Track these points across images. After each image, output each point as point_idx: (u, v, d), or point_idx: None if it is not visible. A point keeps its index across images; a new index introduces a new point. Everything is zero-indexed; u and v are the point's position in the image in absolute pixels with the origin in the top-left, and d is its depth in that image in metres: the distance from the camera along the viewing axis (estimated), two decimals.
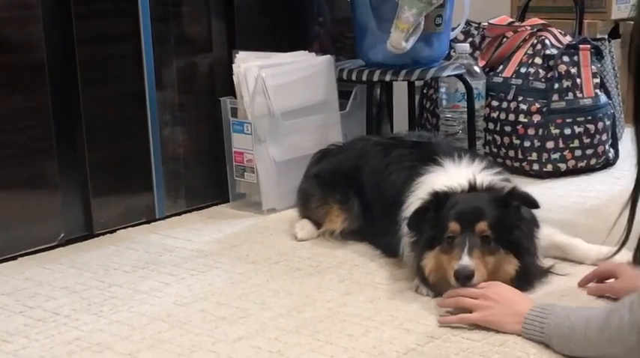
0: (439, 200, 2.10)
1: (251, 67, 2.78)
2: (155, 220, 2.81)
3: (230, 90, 2.86)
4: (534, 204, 2.12)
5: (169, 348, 1.89)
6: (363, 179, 2.52)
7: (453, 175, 2.19)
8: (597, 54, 3.28)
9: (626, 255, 1.78)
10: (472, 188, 2.13)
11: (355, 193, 2.52)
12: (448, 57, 3.14)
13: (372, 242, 2.48)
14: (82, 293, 2.22)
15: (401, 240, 2.24)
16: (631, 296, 1.58)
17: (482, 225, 2.03)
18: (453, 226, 2.04)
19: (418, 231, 2.12)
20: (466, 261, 1.98)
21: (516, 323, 1.86)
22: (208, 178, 2.96)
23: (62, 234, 2.59)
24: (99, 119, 2.67)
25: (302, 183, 2.71)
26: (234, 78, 2.81)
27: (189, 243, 2.58)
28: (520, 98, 3.17)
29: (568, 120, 3.13)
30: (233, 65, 2.83)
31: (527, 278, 2.08)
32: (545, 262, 2.19)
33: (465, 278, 1.96)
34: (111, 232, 2.69)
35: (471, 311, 1.93)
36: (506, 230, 2.05)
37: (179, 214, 2.88)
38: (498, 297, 1.93)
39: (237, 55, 2.87)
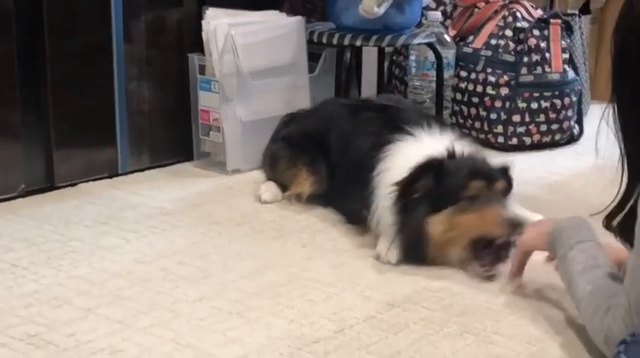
0: (436, 166, 2.09)
1: (221, 25, 2.75)
2: (118, 175, 2.78)
3: (198, 46, 2.83)
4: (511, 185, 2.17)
5: (129, 305, 1.88)
6: (330, 141, 2.51)
7: (427, 144, 2.19)
8: (567, 29, 3.28)
9: None
10: (451, 157, 2.13)
11: (323, 156, 2.51)
12: (419, 24, 3.12)
13: (336, 207, 2.47)
14: (41, 246, 2.19)
15: (370, 207, 2.21)
16: (617, 308, 1.56)
17: (501, 184, 2.08)
18: (476, 184, 2.05)
19: (410, 198, 2.09)
20: (510, 213, 2.01)
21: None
22: (173, 135, 2.93)
23: (23, 185, 2.56)
24: (64, 70, 2.62)
25: (270, 144, 2.70)
26: (204, 35, 2.77)
27: (152, 200, 2.56)
28: (489, 70, 3.17)
29: (535, 95, 3.14)
30: (203, 22, 2.79)
31: None
32: None
33: (517, 226, 1.97)
34: (72, 185, 2.66)
35: None
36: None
37: (142, 170, 2.84)
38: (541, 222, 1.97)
39: (207, 12, 2.83)
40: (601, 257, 1.74)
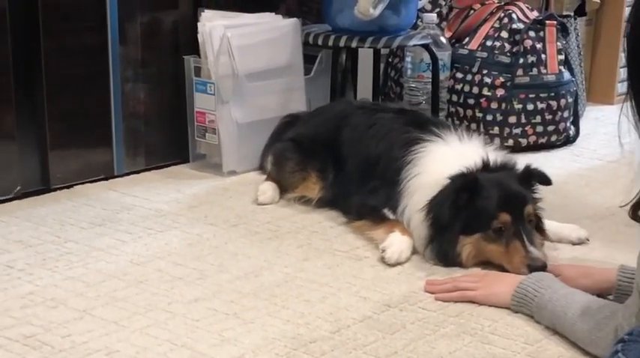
0: (471, 185, 2.09)
1: (216, 27, 2.75)
2: (113, 177, 2.78)
3: (194, 48, 2.83)
4: (549, 182, 2.20)
5: (124, 306, 1.88)
6: (342, 138, 2.50)
7: (458, 149, 2.20)
8: (563, 30, 3.29)
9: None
10: (486, 168, 2.14)
11: (332, 162, 2.51)
12: (415, 26, 3.12)
13: (343, 203, 2.45)
14: (37, 248, 2.19)
15: (397, 208, 2.21)
16: (630, 307, 1.57)
17: (529, 209, 2.09)
18: (504, 217, 2.05)
19: (441, 215, 2.09)
20: (535, 253, 2.02)
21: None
22: (169, 137, 2.93)
23: (18, 187, 2.55)
24: (60, 71, 2.62)
25: (273, 145, 2.71)
26: (199, 37, 2.77)
27: (148, 202, 2.55)
28: (485, 71, 3.17)
29: (531, 96, 3.15)
30: (198, 23, 2.79)
31: None
32: None
33: (539, 270, 1.97)
34: (68, 187, 2.66)
35: None
36: (537, 209, 2.14)
37: (138, 172, 2.84)
38: (496, 276, 1.99)
39: (202, 14, 2.84)
40: (576, 292, 1.78)
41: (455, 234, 2.09)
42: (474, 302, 1.92)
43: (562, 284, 1.82)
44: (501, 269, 2.07)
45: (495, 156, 2.20)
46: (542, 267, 1.99)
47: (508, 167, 2.19)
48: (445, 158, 2.18)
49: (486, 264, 2.11)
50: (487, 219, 2.06)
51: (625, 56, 1.49)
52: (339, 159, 2.49)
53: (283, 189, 2.58)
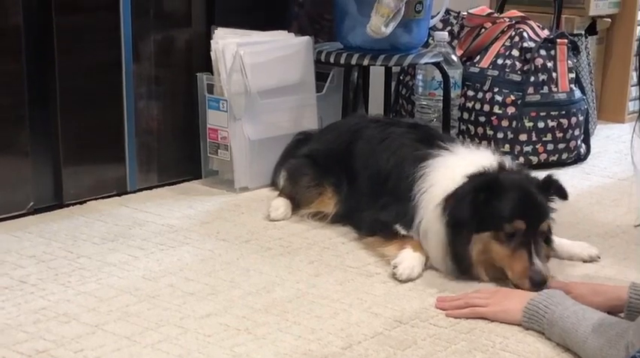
0: (491, 183, 2.09)
1: (229, 44, 2.77)
2: (126, 193, 2.79)
3: (207, 66, 2.85)
4: (566, 196, 2.20)
5: (136, 321, 1.88)
6: (355, 151, 2.52)
7: (471, 158, 2.20)
8: (574, 49, 3.30)
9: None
10: (502, 168, 2.15)
11: (346, 177, 2.52)
12: (426, 44, 3.14)
13: (355, 218, 2.45)
14: (49, 263, 2.20)
15: (412, 223, 2.21)
16: None
17: (546, 225, 2.09)
18: (518, 224, 2.05)
19: (459, 212, 2.08)
20: (539, 266, 2.02)
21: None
22: (181, 154, 2.95)
23: (32, 203, 2.57)
24: (73, 88, 2.64)
25: (286, 162, 2.73)
26: (212, 54, 2.79)
27: (160, 218, 2.57)
28: (496, 89, 3.18)
29: (542, 114, 3.15)
30: (211, 41, 2.81)
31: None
32: None
33: (539, 284, 1.99)
34: (81, 203, 2.67)
35: None
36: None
37: (150, 188, 2.86)
38: (507, 292, 1.98)
39: (215, 31, 2.86)
40: (587, 309, 1.78)
41: (469, 233, 2.09)
42: (485, 319, 1.92)
43: (573, 302, 1.82)
44: (503, 273, 2.08)
45: (509, 161, 2.21)
46: (543, 282, 2.00)
47: (524, 172, 2.20)
48: (456, 167, 2.18)
49: (498, 280, 2.11)
50: (501, 220, 2.06)
51: (636, 74, 1.50)
52: (351, 172, 2.50)
53: (297, 205, 2.59)
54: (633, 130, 1.53)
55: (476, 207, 2.07)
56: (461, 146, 2.30)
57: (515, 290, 2.02)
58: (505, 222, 2.06)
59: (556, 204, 2.20)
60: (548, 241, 2.17)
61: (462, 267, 2.12)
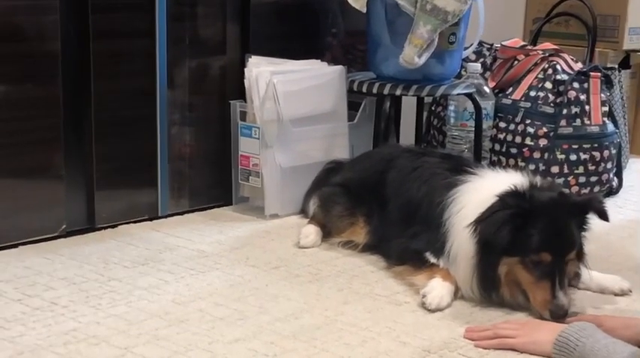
0: (525, 210, 2.07)
1: (263, 72, 2.79)
2: (157, 218, 2.81)
3: (240, 93, 2.87)
4: (606, 218, 2.17)
5: (165, 345, 1.89)
6: (386, 180, 2.52)
7: (499, 179, 2.20)
8: (607, 82, 3.29)
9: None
10: (533, 186, 2.14)
11: (377, 206, 2.52)
12: (459, 75, 3.14)
13: (386, 246, 2.45)
14: (80, 285, 2.22)
15: (443, 249, 2.21)
16: None
17: (572, 255, 2.09)
18: (545, 256, 2.05)
19: (491, 233, 2.07)
20: (562, 299, 2.02)
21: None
22: (213, 180, 2.97)
23: (64, 226, 2.59)
24: (108, 113, 2.67)
25: (318, 189, 2.74)
26: (246, 82, 2.82)
27: (190, 243, 2.58)
28: (528, 121, 3.17)
29: (574, 146, 3.14)
30: (245, 69, 2.84)
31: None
32: None
33: (559, 317, 1.99)
34: (112, 227, 2.69)
35: None
36: (582, 246, 2.14)
37: (181, 214, 2.88)
38: (537, 324, 1.97)
39: (249, 59, 2.88)
40: (618, 342, 1.77)
41: (499, 256, 2.08)
42: (514, 350, 1.91)
43: (604, 335, 1.81)
44: (527, 297, 2.09)
45: (539, 180, 2.19)
46: (562, 316, 2.00)
47: (557, 188, 2.19)
48: (486, 188, 2.17)
49: (522, 305, 2.10)
50: (529, 249, 2.06)
51: None
52: (382, 201, 2.51)
53: (328, 233, 2.60)
54: None
55: (509, 231, 2.06)
56: (490, 170, 2.31)
57: (545, 321, 2.01)
58: (532, 252, 2.06)
59: (589, 232, 2.18)
60: (580, 256, 2.14)
61: (487, 287, 2.12)
